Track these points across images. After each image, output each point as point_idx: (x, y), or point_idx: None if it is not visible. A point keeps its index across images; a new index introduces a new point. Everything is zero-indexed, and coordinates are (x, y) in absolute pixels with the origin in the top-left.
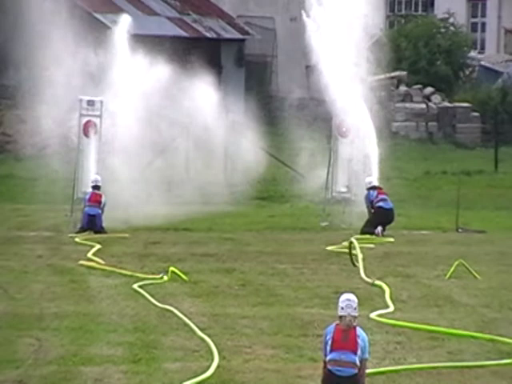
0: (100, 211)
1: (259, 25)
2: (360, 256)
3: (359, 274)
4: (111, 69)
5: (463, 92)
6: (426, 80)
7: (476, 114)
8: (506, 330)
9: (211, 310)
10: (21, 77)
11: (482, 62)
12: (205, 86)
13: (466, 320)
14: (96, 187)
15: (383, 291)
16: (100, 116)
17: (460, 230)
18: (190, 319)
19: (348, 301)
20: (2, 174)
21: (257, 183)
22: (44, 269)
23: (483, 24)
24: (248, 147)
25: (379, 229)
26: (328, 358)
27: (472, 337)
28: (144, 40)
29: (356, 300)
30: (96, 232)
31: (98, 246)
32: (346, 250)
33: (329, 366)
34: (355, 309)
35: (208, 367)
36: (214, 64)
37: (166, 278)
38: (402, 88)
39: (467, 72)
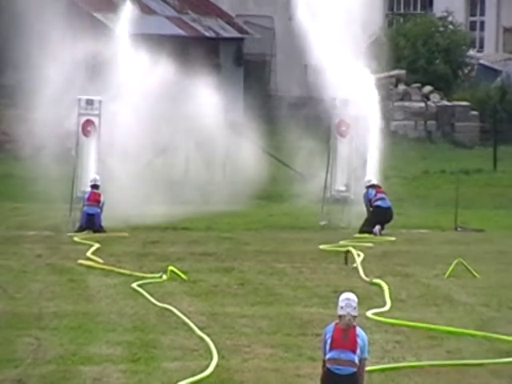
0: (99, 210)
1: (258, 24)
2: (358, 261)
3: (358, 273)
4: (110, 68)
5: (462, 91)
6: (424, 79)
7: (475, 112)
8: (504, 328)
9: (210, 309)
10: (20, 76)
11: (481, 61)
12: (203, 86)
13: (465, 319)
14: (95, 186)
15: (382, 290)
16: (99, 115)
17: (459, 229)
18: (188, 318)
19: (348, 300)
20: (1, 173)
21: (256, 182)
22: (43, 268)
23: (482, 22)
24: (247, 146)
25: (377, 228)
26: (327, 356)
27: (471, 335)
28: (143, 39)
29: (356, 299)
30: (95, 231)
31: (96, 245)
32: (339, 249)
33: (328, 365)
34: (355, 308)
35: (207, 366)
36: (213, 63)
37: (165, 277)
38: (401, 87)
39: (466, 71)
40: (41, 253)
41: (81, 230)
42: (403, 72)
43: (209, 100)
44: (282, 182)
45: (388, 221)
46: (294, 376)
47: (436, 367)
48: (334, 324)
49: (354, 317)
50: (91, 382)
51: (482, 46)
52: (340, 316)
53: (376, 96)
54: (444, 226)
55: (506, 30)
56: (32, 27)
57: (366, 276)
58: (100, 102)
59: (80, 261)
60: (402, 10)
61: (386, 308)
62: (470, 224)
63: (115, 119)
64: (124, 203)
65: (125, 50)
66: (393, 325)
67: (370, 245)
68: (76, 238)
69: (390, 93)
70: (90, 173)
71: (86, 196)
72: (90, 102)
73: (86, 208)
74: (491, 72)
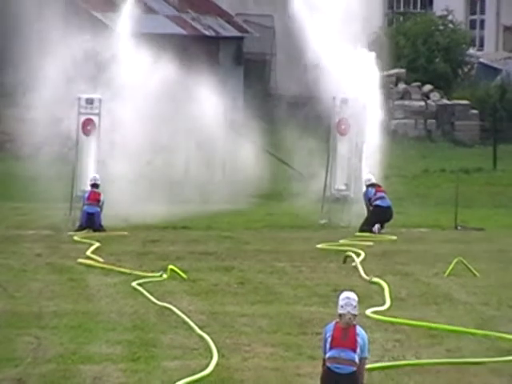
0: (99, 209)
1: (258, 23)
2: (358, 260)
3: (358, 272)
4: (110, 67)
5: (462, 89)
6: (424, 77)
7: (475, 111)
8: (504, 327)
9: (210, 308)
10: (19, 75)
11: (481, 60)
12: (203, 85)
13: (465, 317)
14: (95, 185)
15: (382, 289)
16: (99, 114)
17: (459, 228)
18: (188, 317)
19: (348, 299)
20: (0, 172)
21: (256, 181)
22: (43, 267)
23: (482, 21)
24: (247, 145)
25: (377, 227)
26: (327, 355)
27: (471, 334)
28: (143, 38)
29: (356, 298)
30: (95, 230)
31: (96, 244)
32: (336, 248)
33: (328, 364)
34: (355, 307)
35: (207, 365)
36: (213, 62)
37: (165, 276)
38: (401, 86)
39: (466, 69)
40: (41, 252)
41: (81, 229)
42: (403, 71)
43: (208, 99)
44: (282, 181)
45: (388, 220)
46: (294, 375)
47: (436, 366)
48: (334, 323)
49: (354, 316)
50: (91, 381)
51: (481, 45)
52: (340, 315)
53: (377, 91)
54: (444, 224)
55: (506, 29)
56: (31, 27)
57: (366, 275)
58: (100, 100)
59: (80, 260)
60: (401, 9)
61: (386, 307)
62: (470, 223)
63: (115, 118)
64: (124, 202)
65: (125, 48)
66: (393, 323)
67: (370, 244)
68: (76, 237)
69: (390, 92)
70: (90, 172)
71: (86, 195)
72: (89, 101)
73: (85, 207)
74: (491, 71)
